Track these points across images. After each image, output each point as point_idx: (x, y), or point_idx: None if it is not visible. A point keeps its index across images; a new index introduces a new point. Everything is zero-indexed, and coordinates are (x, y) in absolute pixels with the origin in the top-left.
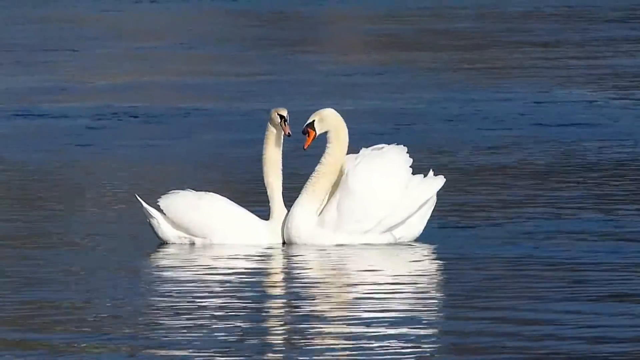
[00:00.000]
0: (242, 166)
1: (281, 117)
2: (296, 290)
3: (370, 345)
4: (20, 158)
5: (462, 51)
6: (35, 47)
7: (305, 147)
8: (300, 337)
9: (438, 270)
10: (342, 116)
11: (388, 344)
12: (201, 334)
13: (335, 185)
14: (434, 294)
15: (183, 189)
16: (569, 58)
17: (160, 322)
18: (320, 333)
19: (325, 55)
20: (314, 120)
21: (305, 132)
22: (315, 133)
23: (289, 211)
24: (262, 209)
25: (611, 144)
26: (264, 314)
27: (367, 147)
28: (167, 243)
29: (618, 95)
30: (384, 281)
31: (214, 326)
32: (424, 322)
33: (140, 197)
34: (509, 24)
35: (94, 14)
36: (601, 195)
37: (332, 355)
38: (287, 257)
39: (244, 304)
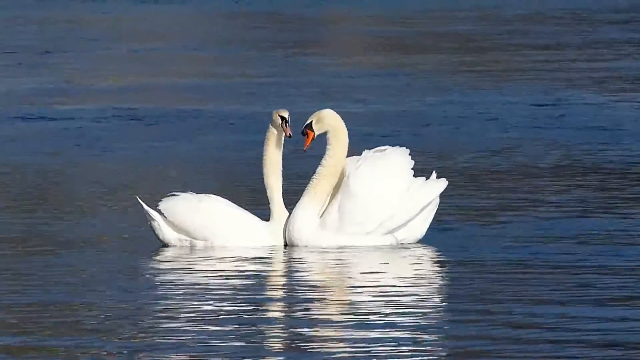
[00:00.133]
0: (243, 168)
1: (282, 118)
2: (297, 292)
3: (372, 349)
4: (21, 160)
5: (462, 54)
6: (37, 49)
7: (305, 148)
8: (301, 340)
9: (440, 273)
10: (342, 118)
11: (390, 348)
12: (202, 337)
13: (337, 187)
14: (435, 297)
15: (184, 191)
16: (570, 60)
17: (161, 324)
18: (321, 336)
19: (326, 57)
20: (312, 121)
21: (304, 133)
22: (314, 134)
23: (290, 213)
24: (262, 211)
25: (613, 147)
26: (265, 316)
27: (369, 149)
28: (168, 245)
29: (620, 97)
30: (386, 283)
31: (215, 329)
32: (426, 325)
33: (141, 199)
34: (510, 26)
35: (96, 16)
36: (604, 197)
37: (334, 359)
38: (289, 259)
39: (245, 307)
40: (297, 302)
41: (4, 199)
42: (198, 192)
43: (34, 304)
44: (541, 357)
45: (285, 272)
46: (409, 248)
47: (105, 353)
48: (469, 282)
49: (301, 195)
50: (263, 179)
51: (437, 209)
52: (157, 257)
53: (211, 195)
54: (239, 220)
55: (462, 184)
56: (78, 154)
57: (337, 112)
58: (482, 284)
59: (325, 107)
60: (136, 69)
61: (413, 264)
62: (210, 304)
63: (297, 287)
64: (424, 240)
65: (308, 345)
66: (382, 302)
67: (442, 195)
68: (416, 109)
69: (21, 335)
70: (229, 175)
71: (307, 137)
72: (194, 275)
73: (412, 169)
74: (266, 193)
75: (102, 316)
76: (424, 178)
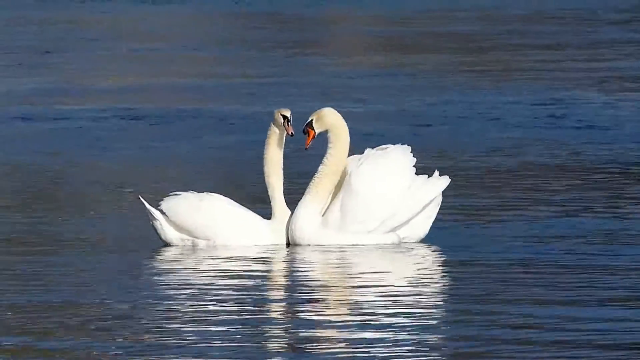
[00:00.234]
0: (243, 168)
1: (284, 117)
2: (299, 292)
3: (374, 349)
4: (21, 160)
5: (463, 54)
6: (37, 49)
7: (306, 147)
8: (303, 340)
9: (442, 272)
10: (343, 117)
11: (392, 348)
12: (204, 337)
13: (339, 186)
14: (438, 296)
15: (185, 190)
16: (571, 60)
17: (163, 324)
18: (323, 336)
19: (326, 57)
20: (312, 120)
21: (305, 132)
22: (315, 132)
23: (292, 212)
24: (263, 209)
25: (615, 146)
26: (267, 316)
27: (371, 147)
28: (170, 245)
29: (620, 97)
30: (388, 283)
31: (217, 329)
32: (427, 325)
33: (143, 199)
34: (510, 26)
35: (95, 16)
36: (605, 197)
37: (335, 359)
38: (291, 258)
39: (248, 307)
40: (299, 302)
41: (4, 198)
42: (199, 191)
43: (34, 304)
44: (543, 358)
45: (287, 271)
46: (410, 248)
47: (106, 353)
48: (470, 282)
49: (303, 194)
50: (264, 178)
51: (439, 208)
52: (159, 257)
53: (213, 194)
54: (241, 218)
55: (463, 184)
56: (78, 154)
57: (338, 112)
58: (482, 284)
59: (326, 107)
60: (136, 69)
61: (414, 263)
62: (213, 304)
63: (299, 287)
64: (425, 240)
65: (310, 346)
66: (384, 302)
67: (443, 195)
68: (416, 109)
69: (21, 336)
70: (229, 175)
71: (308, 135)
72: (195, 274)
73: (414, 166)
74: (267, 192)
75: (103, 316)
76: (426, 176)
